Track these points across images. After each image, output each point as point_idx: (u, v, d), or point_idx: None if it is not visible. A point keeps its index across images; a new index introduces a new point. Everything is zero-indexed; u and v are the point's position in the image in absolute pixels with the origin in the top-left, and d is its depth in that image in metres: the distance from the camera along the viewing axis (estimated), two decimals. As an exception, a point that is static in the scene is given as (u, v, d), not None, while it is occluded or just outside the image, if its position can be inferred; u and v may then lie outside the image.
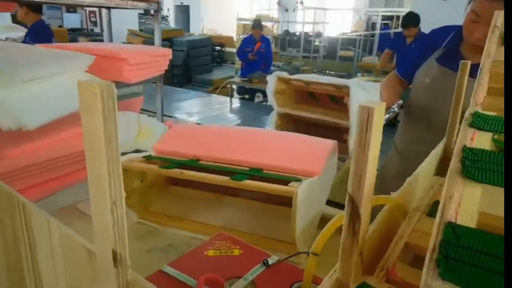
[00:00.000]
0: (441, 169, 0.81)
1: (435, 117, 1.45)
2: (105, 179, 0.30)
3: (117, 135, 0.29)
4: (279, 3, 14.36)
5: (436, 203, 0.53)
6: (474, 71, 0.79)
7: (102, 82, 0.28)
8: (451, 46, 1.44)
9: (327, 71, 9.60)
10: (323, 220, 1.15)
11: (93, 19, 9.83)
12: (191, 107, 4.49)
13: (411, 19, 4.44)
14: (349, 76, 8.39)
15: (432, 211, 0.51)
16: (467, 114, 0.34)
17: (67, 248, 0.43)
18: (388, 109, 1.89)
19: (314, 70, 9.17)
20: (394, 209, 0.52)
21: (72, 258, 0.43)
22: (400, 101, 1.86)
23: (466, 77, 0.80)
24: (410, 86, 1.69)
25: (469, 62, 0.80)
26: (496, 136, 0.51)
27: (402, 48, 4.59)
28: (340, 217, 0.51)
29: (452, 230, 0.28)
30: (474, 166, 0.37)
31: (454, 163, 0.31)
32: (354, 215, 0.34)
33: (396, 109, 2.00)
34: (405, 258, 0.50)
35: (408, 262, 0.51)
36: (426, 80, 1.47)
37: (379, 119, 0.32)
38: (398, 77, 1.66)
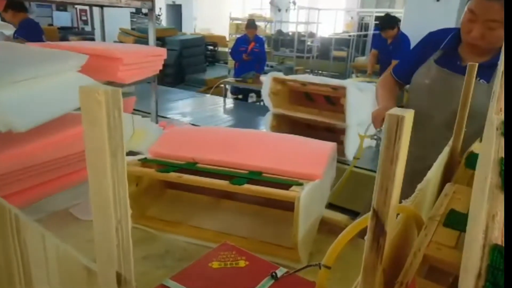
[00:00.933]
0: (448, 174, 0.79)
1: (435, 117, 1.46)
2: (109, 196, 0.27)
3: (124, 148, 0.26)
4: (271, 3, 14.35)
5: (452, 212, 0.51)
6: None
7: (108, 89, 0.25)
8: (449, 47, 1.45)
9: (320, 71, 9.62)
10: (323, 223, 1.13)
11: (83, 18, 9.72)
12: (184, 107, 4.45)
13: (386, 22, 4.52)
14: (343, 76, 8.41)
15: (448, 220, 0.49)
16: (497, 121, 0.32)
17: (64, 266, 0.39)
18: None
19: (307, 70, 9.18)
20: (409, 219, 0.49)
21: (69, 277, 0.40)
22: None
23: (473, 79, 0.79)
24: (407, 86, 1.69)
25: (476, 65, 0.79)
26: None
27: (384, 48, 4.66)
28: (353, 226, 0.48)
29: (500, 254, 0.26)
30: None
31: (492, 177, 0.28)
32: (379, 231, 0.32)
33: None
34: (421, 270, 0.48)
35: (423, 274, 0.49)
36: (425, 81, 1.47)
37: (408, 129, 0.29)
38: (394, 78, 1.65)
